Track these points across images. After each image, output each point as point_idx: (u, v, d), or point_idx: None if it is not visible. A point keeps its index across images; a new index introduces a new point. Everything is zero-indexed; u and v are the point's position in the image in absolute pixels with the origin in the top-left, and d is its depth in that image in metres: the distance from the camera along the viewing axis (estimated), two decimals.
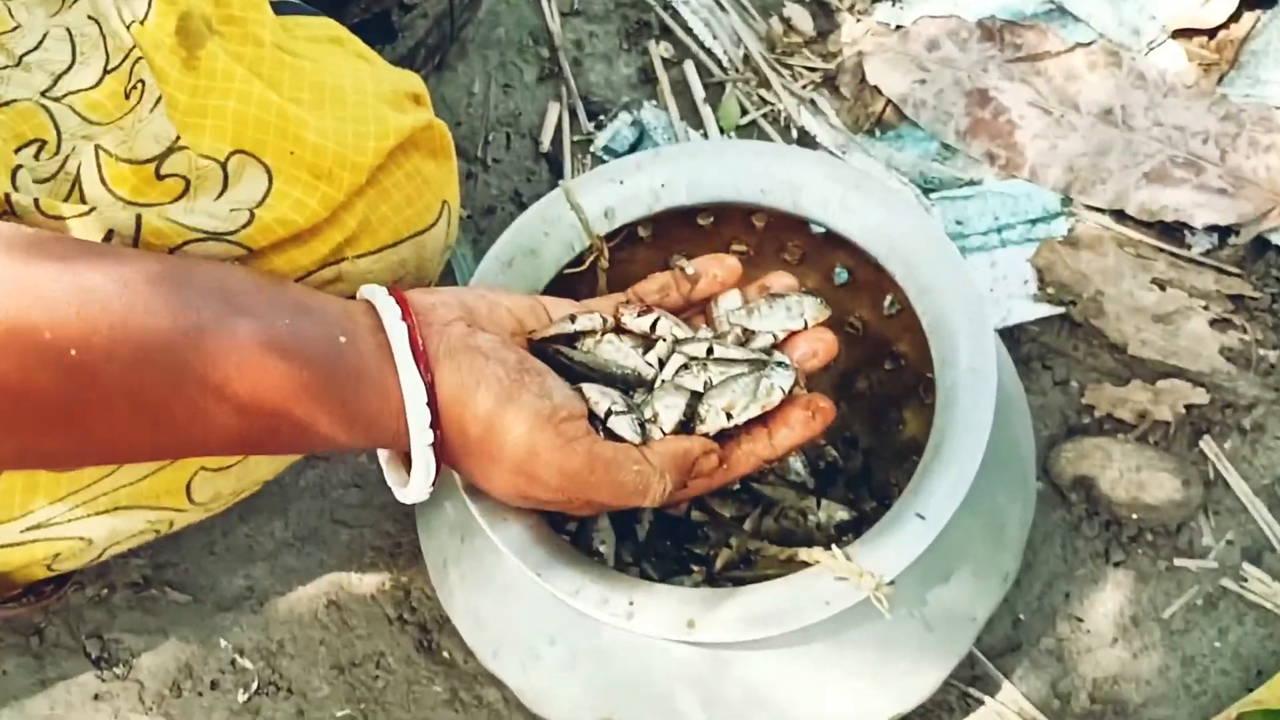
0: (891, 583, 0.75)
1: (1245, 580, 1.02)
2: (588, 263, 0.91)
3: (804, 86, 1.26)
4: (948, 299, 0.83)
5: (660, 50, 1.28)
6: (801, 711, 0.83)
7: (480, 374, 0.71)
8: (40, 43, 0.75)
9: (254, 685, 1.01)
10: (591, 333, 0.79)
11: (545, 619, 0.85)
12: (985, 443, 0.78)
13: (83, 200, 0.71)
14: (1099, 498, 1.04)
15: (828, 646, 0.82)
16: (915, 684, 0.85)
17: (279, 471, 0.90)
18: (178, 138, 0.73)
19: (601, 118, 1.25)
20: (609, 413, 0.76)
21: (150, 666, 1.02)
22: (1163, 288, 1.12)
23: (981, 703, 0.98)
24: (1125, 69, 1.22)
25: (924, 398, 0.95)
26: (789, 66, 1.27)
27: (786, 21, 1.29)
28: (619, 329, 0.81)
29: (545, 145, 1.24)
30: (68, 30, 0.71)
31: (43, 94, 0.70)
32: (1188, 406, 1.07)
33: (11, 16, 0.75)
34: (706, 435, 0.78)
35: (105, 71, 0.72)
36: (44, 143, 0.69)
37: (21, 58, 0.75)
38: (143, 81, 0.73)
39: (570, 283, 0.90)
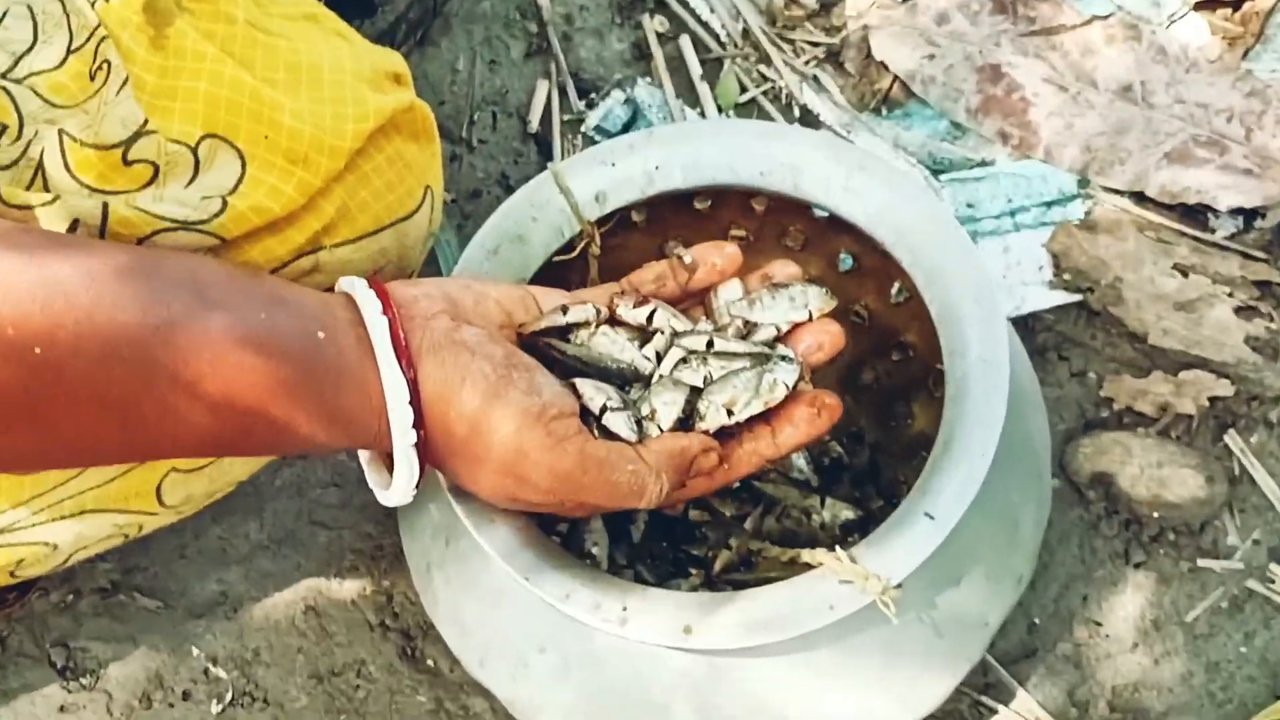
0: (899, 586, 0.75)
1: (1272, 582, 1.02)
2: (578, 249, 0.90)
3: (806, 62, 1.26)
4: (958, 286, 0.84)
5: (655, 24, 1.28)
6: None
7: (465, 370, 0.71)
8: None
9: (228, 696, 1.01)
10: (585, 325, 0.79)
11: (534, 625, 0.85)
12: (998, 438, 0.78)
13: (46, 188, 0.71)
14: (1118, 495, 1.04)
15: (832, 653, 0.82)
16: (924, 692, 0.85)
17: (254, 472, 0.90)
18: (146, 121, 0.73)
19: (593, 96, 1.25)
20: (604, 409, 0.76)
21: (119, 676, 1.02)
22: (1185, 274, 1.12)
23: (995, 711, 0.99)
24: (1145, 43, 1.22)
25: (933, 390, 0.95)
26: (790, 41, 1.27)
27: None
28: (613, 321, 0.81)
29: (533, 125, 1.24)
30: (29, 7, 0.71)
31: (3, 75, 0.69)
32: (1211, 399, 1.08)
33: None
34: (706, 433, 0.78)
35: (69, 51, 0.72)
36: (5, 127, 0.69)
37: None
38: (108, 62, 0.73)
39: (560, 271, 0.90)
